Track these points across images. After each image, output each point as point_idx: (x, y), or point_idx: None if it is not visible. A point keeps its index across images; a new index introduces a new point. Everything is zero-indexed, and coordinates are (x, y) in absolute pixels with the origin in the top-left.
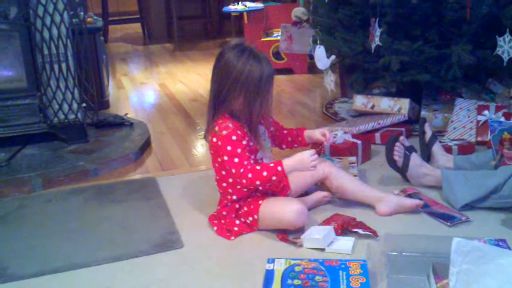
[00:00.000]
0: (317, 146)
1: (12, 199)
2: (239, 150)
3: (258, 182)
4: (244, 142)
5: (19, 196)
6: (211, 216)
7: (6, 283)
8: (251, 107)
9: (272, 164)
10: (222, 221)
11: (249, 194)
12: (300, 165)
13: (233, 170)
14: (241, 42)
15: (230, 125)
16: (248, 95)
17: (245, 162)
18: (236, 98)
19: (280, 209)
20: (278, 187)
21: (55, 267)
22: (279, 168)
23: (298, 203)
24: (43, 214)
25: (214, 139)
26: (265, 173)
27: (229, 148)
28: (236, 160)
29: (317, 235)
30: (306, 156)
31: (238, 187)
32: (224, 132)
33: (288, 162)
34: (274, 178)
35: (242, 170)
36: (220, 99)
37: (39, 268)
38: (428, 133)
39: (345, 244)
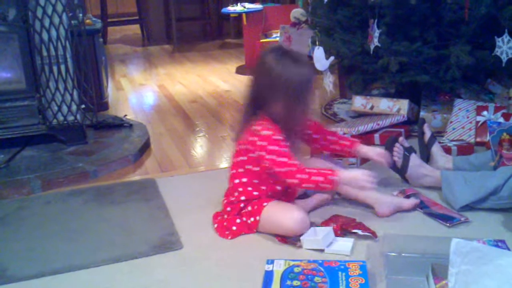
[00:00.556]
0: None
1: (11, 200)
2: (285, 150)
3: (309, 185)
4: (282, 141)
5: (18, 197)
6: (216, 213)
7: (5, 285)
8: (291, 111)
9: (328, 172)
10: (225, 216)
11: (258, 196)
12: (354, 181)
13: (281, 169)
14: (281, 45)
15: (270, 126)
16: (288, 99)
17: (294, 162)
18: (276, 103)
19: (282, 216)
20: (287, 193)
21: (55, 268)
22: (335, 178)
23: (300, 212)
24: (42, 216)
25: (255, 138)
26: (319, 178)
27: (275, 147)
28: (284, 159)
29: (317, 236)
30: (364, 176)
31: (263, 187)
32: (267, 132)
33: (344, 176)
34: (326, 186)
35: (294, 169)
36: (259, 103)
37: (38, 270)
38: (428, 134)
39: (344, 245)
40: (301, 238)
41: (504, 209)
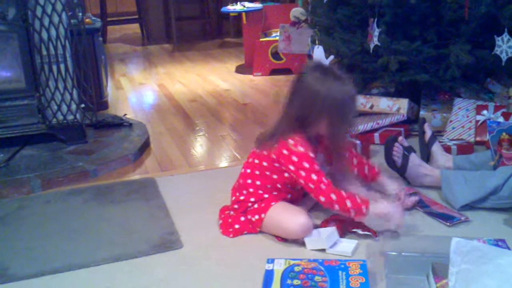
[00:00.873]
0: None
1: (11, 200)
2: (316, 167)
3: (337, 207)
4: (312, 158)
5: (18, 197)
6: (224, 207)
7: (6, 284)
8: (336, 130)
9: (359, 200)
10: (231, 213)
11: (267, 199)
12: (385, 217)
13: (311, 186)
14: (321, 63)
15: (304, 144)
16: (332, 120)
17: (325, 180)
18: (319, 122)
19: (287, 218)
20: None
21: (55, 267)
22: (364, 209)
23: (305, 217)
24: (42, 215)
25: (285, 151)
26: (349, 204)
27: (306, 165)
28: (315, 177)
29: (320, 236)
30: (397, 215)
31: (275, 193)
32: (301, 148)
33: (375, 209)
34: (353, 213)
35: (324, 187)
36: (298, 122)
37: (39, 269)
38: (428, 133)
39: (346, 246)
40: (304, 238)
41: (504, 208)
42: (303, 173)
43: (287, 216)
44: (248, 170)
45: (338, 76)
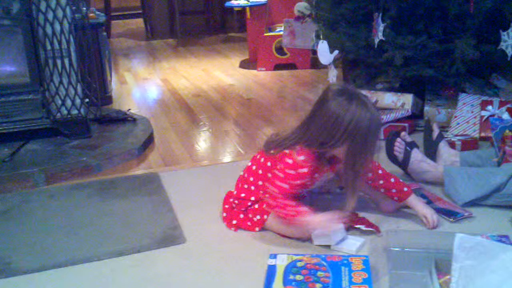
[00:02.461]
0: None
1: (15, 194)
2: (297, 182)
3: (283, 216)
4: (304, 181)
5: (22, 191)
6: (228, 195)
7: (9, 278)
8: (355, 157)
9: (301, 208)
10: (233, 205)
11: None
12: (321, 227)
13: (276, 190)
14: (347, 87)
15: (307, 157)
16: (353, 146)
17: (288, 193)
18: (339, 147)
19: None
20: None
21: (58, 261)
22: (300, 219)
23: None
24: (46, 209)
25: (290, 161)
26: (290, 213)
27: (292, 172)
28: (286, 186)
29: (327, 232)
30: (332, 221)
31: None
32: (302, 158)
33: (311, 221)
34: (291, 220)
35: (280, 196)
36: (314, 140)
37: (42, 263)
38: (436, 131)
39: (352, 244)
40: (312, 234)
41: (507, 203)
42: (282, 176)
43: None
44: (254, 167)
45: (363, 102)
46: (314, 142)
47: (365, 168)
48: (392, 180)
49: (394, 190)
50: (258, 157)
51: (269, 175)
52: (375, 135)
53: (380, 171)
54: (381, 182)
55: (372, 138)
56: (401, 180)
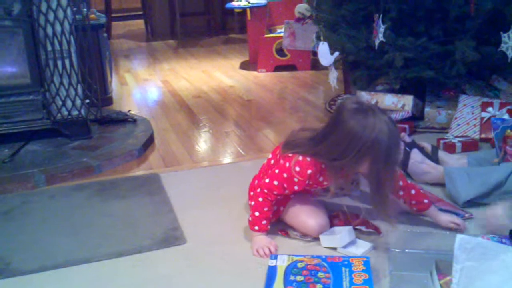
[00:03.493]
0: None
1: (16, 195)
2: (285, 185)
3: (251, 206)
4: (296, 188)
5: (22, 192)
6: (252, 183)
7: (9, 278)
8: (379, 173)
9: (264, 222)
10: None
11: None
12: (257, 243)
13: (266, 180)
14: (361, 102)
15: (309, 171)
16: (375, 163)
17: (275, 192)
18: (361, 165)
19: (305, 217)
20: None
21: (58, 262)
22: (256, 228)
23: (324, 218)
24: (46, 210)
25: (287, 164)
26: (257, 214)
27: (285, 175)
28: (275, 183)
29: (335, 235)
30: (264, 249)
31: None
32: (297, 168)
33: (260, 235)
34: (250, 220)
35: (265, 191)
36: (328, 158)
37: (42, 263)
38: (428, 147)
39: (357, 249)
40: (320, 235)
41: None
42: (276, 171)
43: (305, 215)
44: (272, 161)
45: (380, 117)
46: (325, 156)
47: (393, 183)
48: (413, 191)
49: (414, 202)
50: (277, 152)
51: (266, 179)
52: (396, 149)
53: (400, 182)
54: (401, 193)
55: (394, 153)
56: (421, 191)
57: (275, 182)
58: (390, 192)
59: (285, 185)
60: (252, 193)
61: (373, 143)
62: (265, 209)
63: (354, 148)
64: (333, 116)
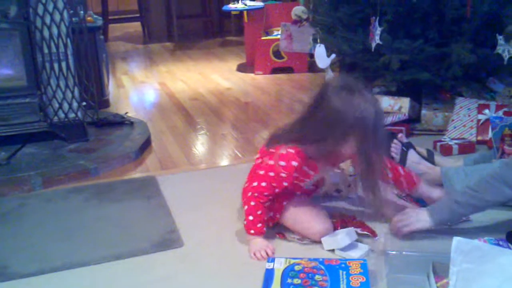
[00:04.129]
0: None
1: (12, 198)
2: (274, 184)
3: (245, 211)
4: (285, 184)
5: (19, 195)
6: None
7: (6, 282)
8: (368, 154)
9: (259, 225)
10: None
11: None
12: (254, 246)
13: (255, 183)
14: (347, 80)
15: (294, 163)
16: (363, 143)
17: (265, 193)
18: (346, 145)
19: (311, 222)
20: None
21: (55, 266)
22: (252, 232)
23: (328, 221)
24: (43, 213)
25: (271, 162)
26: (251, 218)
27: (271, 174)
28: (263, 184)
29: (336, 236)
30: (260, 252)
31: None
32: (282, 163)
33: (257, 238)
34: (245, 224)
35: (256, 194)
36: (311, 138)
37: (39, 267)
38: (423, 152)
39: (354, 252)
40: (322, 238)
41: (505, 207)
42: (261, 173)
43: (309, 218)
44: (259, 161)
45: (364, 94)
46: (312, 139)
47: (381, 163)
48: (401, 170)
49: (403, 181)
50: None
51: (255, 180)
52: (382, 128)
53: (389, 165)
54: (390, 175)
55: (380, 131)
56: (407, 170)
57: (263, 184)
58: (379, 174)
59: (274, 184)
60: (244, 199)
61: (359, 122)
62: (259, 212)
63: (339, 127)
64: (317, 95)
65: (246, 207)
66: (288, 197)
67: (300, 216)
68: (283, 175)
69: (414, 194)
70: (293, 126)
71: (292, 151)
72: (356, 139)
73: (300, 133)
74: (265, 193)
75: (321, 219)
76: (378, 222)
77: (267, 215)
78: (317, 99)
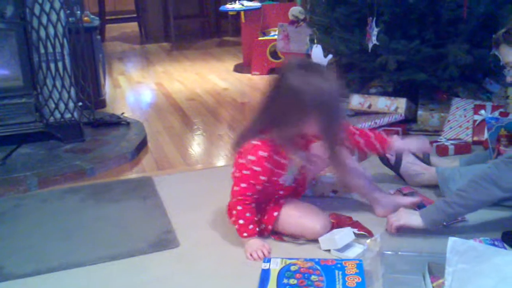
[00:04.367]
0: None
1: (8, 198)
2: (252, 181)
3: (233, 219)
4: (262, 178)
5: (14, 195)
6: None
7: (2, 282)
8: (328, 126)
9: (251, 227)
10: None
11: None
12: (250, 247)
13: (235, 188)
14: (301, 60)
15: (264, 153)
16: (322, 116)
17: (248, 193)
18: (306, 122)
19: (309, 222)
20: (294, 192)
21: (51, 266)
22: (245, 234)
23: (326, 218)
24: (39, 214)
25: (241, 160)
26: (241, 222)
27: (246, 172)
28: (243, 185)
29: (333, 236)
30: (257, 252)
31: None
32: (252, 158)
33: (252, 239)
34: (237, 228)
35: (240, 198)
36: (275, 123)
37: (35, 268)
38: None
39: (350, 252)
40: (319, 238)
41: (499, 207)
42: (237, 175)
43: (310, 218)
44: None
45: (320, 71)
46: (274, 125)
47: (342, 132)
48: (371, 134)
49: (375, 143)
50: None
51: (234, 184)
52: (338, 100)
53: (357, 131)
54: (361, 140)
55: (338, 104)
56: (377, 132)
57: (243, 185)
58: (343, 145)
59: (252, 181)
60: (229, 206)
61: (317, 98)
62: (247, 214)
63: (298, 106)
64: (275, 80)
65: (234, 212)
66: (277, 207)
67: (295, 220)
68: (257, 169)
69: (391, 152)
70: (255, 118)
71: (258, 143)
72: (316, 116)
73: (262, 123)
74: (248, 194)
75: (319, 217)
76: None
77: (257, 216)
78: (275, 83)
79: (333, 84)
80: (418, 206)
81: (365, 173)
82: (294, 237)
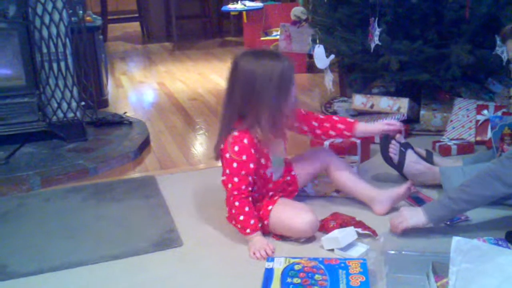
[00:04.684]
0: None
1: (11, 197)
2: (243, 172)
3: (233, 221)
4: (252, 166)
5: (17, 194)
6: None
7: (5, 281)
8: (281, 107)
9: (252, 222)
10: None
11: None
12: (253, 245)
13: (229, 186)
14: (250, 49)
15: (245, 141)
16: (276, 97)
17: (243, 187)
18: (263, 105)
19: (290, 219)
20: (286, 191)
21: (54, 265)
22: (248, 231)
23: (310, 214)
24: (42, 213)
25: (227, 155)
26: (241, 218)
27: (235, 165)
28: (236, 179)
29: (336, 235)
30: (261, 251)
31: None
32: (236, 148)
33: (255, 237)
34: (239, 227)
35: (235, 193)
36: (242, 111)
37: (38, 266)
38: (422, 152)
39: (354, 251)
40: (322, 238)
41: (504, 207)
42: (228, 172)
43: (289, 217)
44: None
45: (270, 54)
46: (237, 111)
47: (289, 109)
48: (335, 117)
49: (341, 126)
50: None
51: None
52: (290, 77)
53: (320, 116)
54: (327, 125)
55: (290, 83)
56: (342, 117)
57: (236, 179)
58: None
59: (243, 172)
60: (228, 209)
61: (269, 78)
62: (246, 208)
63: (254, 89)
64: (230, 70)
65: (233, 210)
66: (271, 202)
67: (282, 219)
68: (244, 157)
69: (357, 134)
70: (224, 114)
71: (237, 133)
72: (270, 95)
73: (231, 116)
74: (243, 187)
75: (301, 213)
76: (378, 221)
77: (254, 209)
78: (230, 73)
79: (284, 63)
80: (416, 201)
81: (355, 172)
82: (284, 237)
